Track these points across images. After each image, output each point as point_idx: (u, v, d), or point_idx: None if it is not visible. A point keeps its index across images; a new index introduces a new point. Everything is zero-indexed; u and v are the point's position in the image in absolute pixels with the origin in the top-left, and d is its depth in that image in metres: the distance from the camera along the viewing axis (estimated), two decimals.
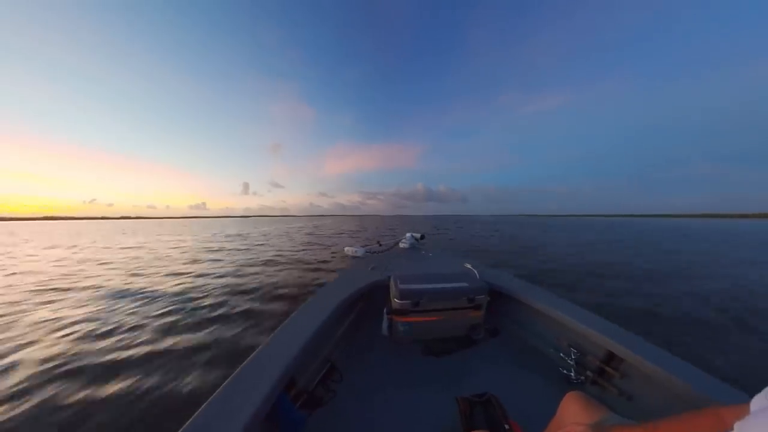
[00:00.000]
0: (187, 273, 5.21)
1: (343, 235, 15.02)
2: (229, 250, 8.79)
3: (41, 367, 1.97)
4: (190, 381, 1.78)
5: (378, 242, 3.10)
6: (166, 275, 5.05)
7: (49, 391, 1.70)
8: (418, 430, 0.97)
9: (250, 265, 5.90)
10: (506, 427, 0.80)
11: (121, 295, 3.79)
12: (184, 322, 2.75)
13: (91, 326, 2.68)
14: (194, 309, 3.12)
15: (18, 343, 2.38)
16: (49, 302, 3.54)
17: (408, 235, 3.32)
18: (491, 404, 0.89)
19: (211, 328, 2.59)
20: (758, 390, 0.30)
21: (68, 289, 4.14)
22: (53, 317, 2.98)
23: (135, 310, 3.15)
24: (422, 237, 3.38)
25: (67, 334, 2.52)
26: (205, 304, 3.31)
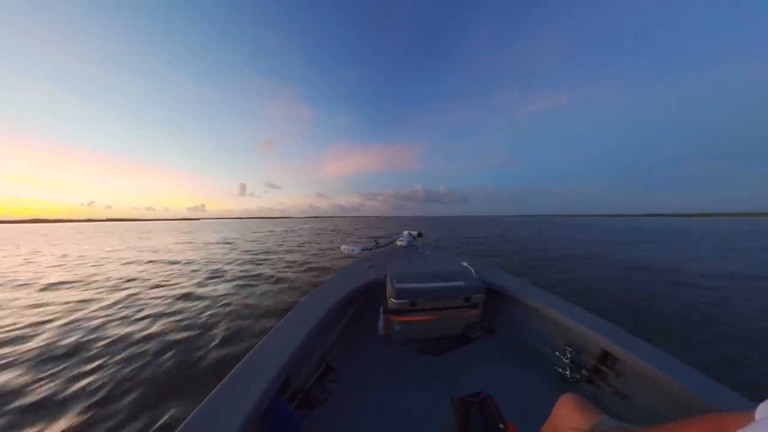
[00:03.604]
0: None
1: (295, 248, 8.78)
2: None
3: None
4: None
5: (375, 240, 3.09)
6: None
7: None
8: (414, 430, 0.97)
9: None
10: (501, 426, 0.79)
11: None
12: None
13: None
14: None
15: None
16: None
17: (405, 233, 3.32)
18: (486, 404, 0.89)
19: None
20: (761, 394, 0.27)
21: None
22: None
23: None
24: (419, 235, 3.41)
25: None
26: None
